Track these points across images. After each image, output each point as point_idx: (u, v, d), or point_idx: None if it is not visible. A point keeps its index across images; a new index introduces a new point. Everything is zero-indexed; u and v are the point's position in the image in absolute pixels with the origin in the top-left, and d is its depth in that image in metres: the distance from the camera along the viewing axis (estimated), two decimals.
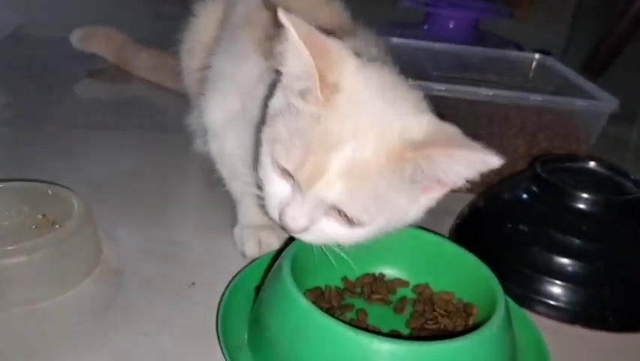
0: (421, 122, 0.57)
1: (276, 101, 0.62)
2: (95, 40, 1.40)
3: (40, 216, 0.74)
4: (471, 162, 0.54)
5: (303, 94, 0.58)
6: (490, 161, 0.53)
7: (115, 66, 1.41)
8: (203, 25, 0.95)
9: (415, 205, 0.60)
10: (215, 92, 0.79)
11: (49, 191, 0.77)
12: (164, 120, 1.20)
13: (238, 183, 0.81)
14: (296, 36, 0.54)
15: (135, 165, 1.02)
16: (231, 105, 0.77)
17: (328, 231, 0.60)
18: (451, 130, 0.57)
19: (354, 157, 0.55)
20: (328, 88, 0.56)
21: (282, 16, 0.55)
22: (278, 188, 0.60)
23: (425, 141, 0.55)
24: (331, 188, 0.56)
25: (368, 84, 0.58)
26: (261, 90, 0.70)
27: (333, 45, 0.58)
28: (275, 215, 0.61)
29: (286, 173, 0.58)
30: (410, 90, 0.61)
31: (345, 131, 0.56)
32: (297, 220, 0.58)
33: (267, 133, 0.61)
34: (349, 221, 0.58)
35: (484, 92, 0.98)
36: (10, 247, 0.65)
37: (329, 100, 0.56)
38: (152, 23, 1.71)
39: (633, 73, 1.90)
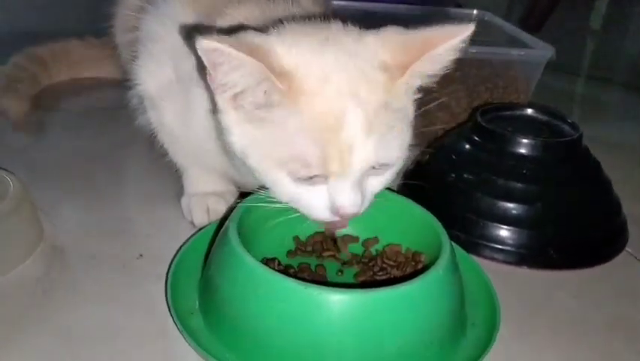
0: (381, 43, 0.58)
1: (242, 137, 0.58)
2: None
3: None
4: (452, 48, 0.56)
5: (263, 104, 0.55)
6: (465, 33, 0.55)
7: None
8: None
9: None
10: (146, 57, 0.74)
11: None
12: (104, 97, 1.16)
13: (182, 152, 0.80)
14: (234, 52, 0.51)
15: (76, 143, 0.99)
16: (165, 74, 0.73)
17: (373, 190, 0.61)
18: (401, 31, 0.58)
19: (361, 115, 0.55)
20: (285, 78, 0.54)
21: (210, 44, 0.50)
22: (316, 197, 0.58)
23: (400, 60, 0.56)
24: (367, 152, 0.56)
25: (308, 50, 0.57)
26: (193, 61, 0.66)
27: (256, 40, 0.55)
28: (329, 217, 0.60)
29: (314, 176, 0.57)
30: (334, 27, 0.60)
31: (333, 101, 0.55)
32: (357, 205, 0.58)
33: (264, 163, 0.58)
34: (382, 168, 0.59)
35: None
36: None
37: (293, 89, 0.54)
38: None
39: (573, 28, 1.94)
